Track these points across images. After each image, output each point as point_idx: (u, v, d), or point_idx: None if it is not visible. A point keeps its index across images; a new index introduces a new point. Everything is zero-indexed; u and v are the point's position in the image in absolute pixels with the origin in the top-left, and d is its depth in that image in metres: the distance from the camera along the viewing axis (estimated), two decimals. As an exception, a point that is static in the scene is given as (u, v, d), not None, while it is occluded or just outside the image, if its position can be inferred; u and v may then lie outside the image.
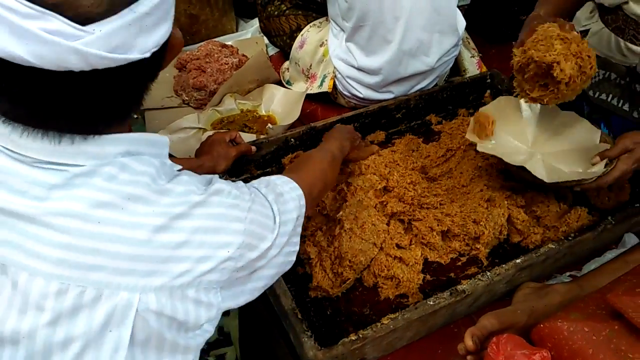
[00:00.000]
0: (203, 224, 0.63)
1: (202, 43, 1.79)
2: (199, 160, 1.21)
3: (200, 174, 1.16)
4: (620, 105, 1.32)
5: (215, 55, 1.71)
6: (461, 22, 1.57)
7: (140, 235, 0.58)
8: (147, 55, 0.58)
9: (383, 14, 1.39)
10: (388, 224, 1.18)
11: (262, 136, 1.47)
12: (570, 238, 1.09)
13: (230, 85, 1.63)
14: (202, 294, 0.63)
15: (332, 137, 1.21)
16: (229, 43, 1.87)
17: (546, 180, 1.10)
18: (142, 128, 1.62)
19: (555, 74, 1.02)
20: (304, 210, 0.82)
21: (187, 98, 1.68)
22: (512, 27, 1.97)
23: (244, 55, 1.78)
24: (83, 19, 0.52)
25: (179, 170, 0.69)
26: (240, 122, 1.59)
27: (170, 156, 1.41)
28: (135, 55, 0.56)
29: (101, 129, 0.61)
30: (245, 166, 1.36)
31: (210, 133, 1.41)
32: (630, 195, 1.22)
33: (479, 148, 1.19)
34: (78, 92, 0.56)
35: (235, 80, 1.63)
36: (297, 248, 0.81)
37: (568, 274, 1.17)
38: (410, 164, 1.36)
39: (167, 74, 1.78)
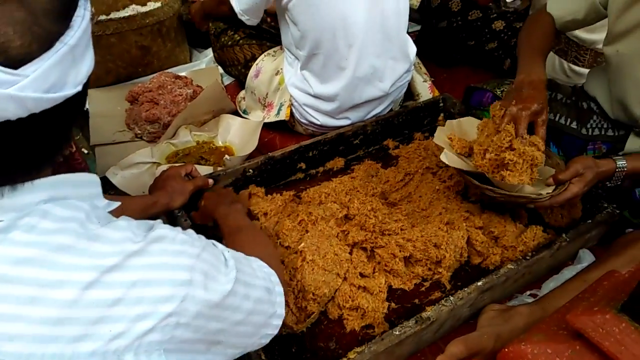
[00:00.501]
0: (141, 277, 0.55)
1: (154, 75, 1.75)
2: (153, 197, 1.17)
3: (154, 212, 1.14)
4: (568, 123, 1.37)
5: (169, 86, 1.68)
6: (412, 48, 1.60)
7: (66, 294, 0.51)
8: (80, 88, 0.54)
9: (336, 42, 1.41)
10: (351, 253, 1.17)
11: (219, 168, 1.44)
12: (528, 257, 1.11)
13: (185, 116, 1.59)
14: (143, 357, 0.55)
15: (227, 215, 1.09)
16: (183, 74, 1.84)
17: (507, 190, 1.12)
18: (93, 165, 1.55)
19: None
20: (277, 287, 0.76)
21: (139, 132, 1.63)
22: (460, 52, 2.04)
23: (198, 86, 1.76)
24: (15, 61, 0.47)
25: (123, 212, 0.64)
26: (196, 154, 1.56)
27: (123, 193, 1.38)
28: (69, 90, 0.52)
29: (22, 178, 0.54)
30: (202, 200, 1.32)
31: (164, 167, 1.37)
32: (582, 212, 1.26)
33: (442, 157, 1.18)
34: (8, 141, 0.50)
35: (190, 112, 1.60)
36: (277, 327, 0.75)
37: (528, 293, 1.18)
38: (370, 190, 1.36)
39: (119, 108, 1.73)
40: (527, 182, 1.11)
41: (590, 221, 1.18)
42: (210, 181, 1.29)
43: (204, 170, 1.38)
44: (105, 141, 1.62)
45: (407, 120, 1.61)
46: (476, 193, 1.30)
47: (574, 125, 1.36)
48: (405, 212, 1.30)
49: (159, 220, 0.66)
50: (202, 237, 0.68)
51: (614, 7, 1.16)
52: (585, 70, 1.70)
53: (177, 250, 0.60)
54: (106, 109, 1.75)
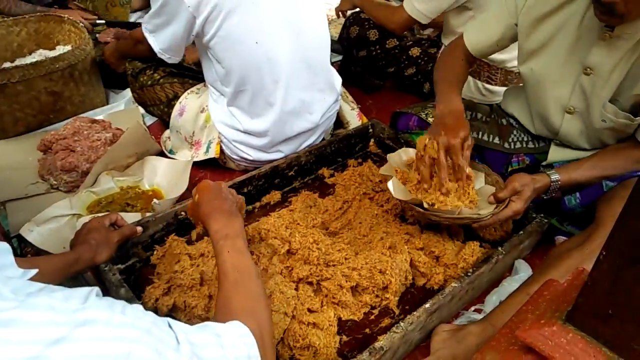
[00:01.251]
0: None
1: (68, 120, 1.63)
2: (75, 253, 1.07)
3: (78, 269, 1.04)
4: (491, 140, 1.43)
5: (85, 132, 1.57)
6: (338, 80, 1.63)
7: None
8: None
9: (262, 78, 1.40)
10: (297, 289, 1.13)
11: (147, 214, 1.35)
12: (469, 274, 1.13)
13: (105, 162, 1.49)
14: None
15: (211, 215, 0.93)
16: (100, 117, 1.74)
17: (450, 214, 1.14)
18: (5, 222, 1.40)
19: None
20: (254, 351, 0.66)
21: (55, 182, 1.51)
22: (382, 78, 2.11)
23: (118, 129, 1.66)
24: None
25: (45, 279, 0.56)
26: (120, 201, 1.46)
27: (41, 251, 1.25)
28: None
29: None
30: (131, 250, 1.23)
31: (86, 219, 1.26)
32: (513, 224, 1.31)
33: (389, 186, 1.19)
34: None
35: (111, 157, 1.51)
36: None
37: (473, 309, 1.20)
38: (310, 222, 1.33)
39: (30, 158, 1.59)
40: (465, 206, 1.15)
41: (522, 232, 1.23)
42: (139, 229, 1.20)
43: (130, 217, 1.28)
44: (17, 196, 1.48)
45: (340, 148, 1.62)
46: (419, 217, 1.32)
47: (496, 140, 1.43)
48: (348, 241, 1.28)
49: (95, 290, 0.55)
50: (150, 315, 0.57)
51: (522, 28, 1.25)
52: (498, 88, 1.81)
53: (112, 335, 0.50)
54: (16, 160, 1.60)
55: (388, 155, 1.34)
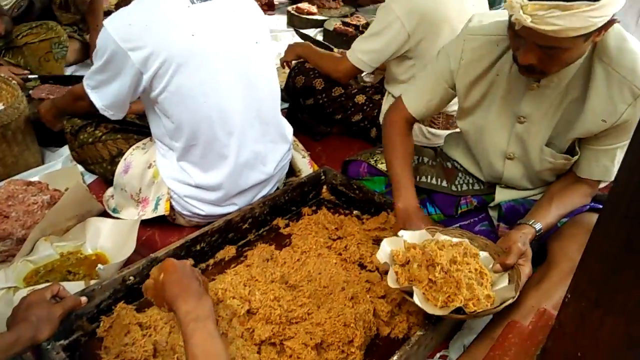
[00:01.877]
0: None
1: (0, 184, 1.52)
2: (13, 333, 0.96)
3: (17, 350, 0.94)
4: (439, 183, 1.47)
5: (20, 195, 1.46)
6: (289, 129, 1.64)
7: None
8: None
9: (215, 131, 1.37)
10: (259, 352, 1.08)
11: (92, 281, 1.26)
12: (433, 320, 1.12)
13: (43, 227, 1.39)
14: None
15: (179, 296, 0.91)
16: (35, 179, 1.63)
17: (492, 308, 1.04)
18: None
19: None
20: None
21: (-13, 252, 1.38)
22: (330, 125, 2.14)
23: (56, 190, 1.56)
24: None
25: None
26: (61, 269, 1.35)
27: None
28: None
29: None
30: (75, 323, 1.13)
31: (24, 292, 1.15)
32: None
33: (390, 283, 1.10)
34: None
35: (50, 221, 1.41)
36: None
37: (438, 355, 1.19)
38: (269, 276, 1.29)
39: (-44, 227, 1.45)
40: (489, 290, 1.07)
41: (479, 272, 1.24)
42: (83, 299, 1.11)
43: (73, 287, 1.19)
44: (-60, 271, 1.33)
45: (293, 197, 1.60)
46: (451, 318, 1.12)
47: (444, 184, 1.47)
48: (309, 294, 1.25)
49: None
50: None
51: (460, 88, 1.31)
52: (441, 132, 1.88)
53: None
54: (-62, 230, 1.46)
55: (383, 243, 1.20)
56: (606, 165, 1.19)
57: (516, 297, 1.04)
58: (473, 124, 1.34)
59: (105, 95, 1.35)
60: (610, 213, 0.59)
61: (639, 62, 1.08)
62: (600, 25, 0.96)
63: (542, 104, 1.19)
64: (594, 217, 1.18)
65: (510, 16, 1.00)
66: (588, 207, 1.23)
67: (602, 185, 1.27)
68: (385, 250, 1.17)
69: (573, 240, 1.13)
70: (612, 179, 1.19)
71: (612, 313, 0.59)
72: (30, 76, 2.17)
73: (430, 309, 1.04)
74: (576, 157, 1.22)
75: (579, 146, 1.22)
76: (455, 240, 1.18)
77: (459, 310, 1.02)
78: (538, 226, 1.16)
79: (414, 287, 1.07)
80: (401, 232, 1.20)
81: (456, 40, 1.30)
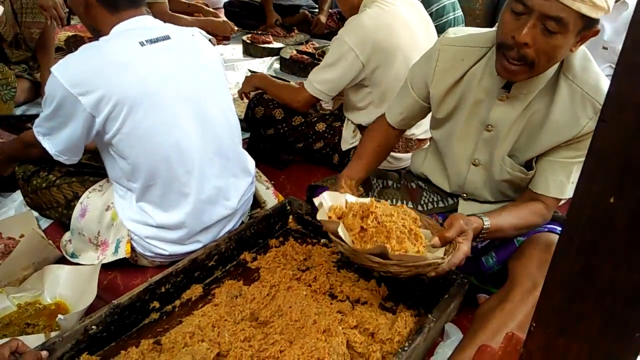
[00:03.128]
0: None
1: (-53, 235, 1.44)
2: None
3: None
4: (405, 204, 1.50)
5: (-30, 246, 1.39)
6: (251, 162, 1.63)
7: None
8: None
9: (173, 170, 1.35)
10: (233, 396, 1.05)
11: (53, 333, 1.20)
12: (405, 348, 1.12)
13: (-3, 279, 1.33)
14: None
15: None
16: (-13, 227, 1.55)
17: (418, 262, 1.07)
18: None
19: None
20: None
21: None
22: (292, 153, 2.15)
23: (10, 238, 1.50)
24: None
25: None
26: (19, 322, 1.28)
27: None
28: None
29: None
30: (36, 382, 1.07)
31: (-23, 353, 1.08)
32: (435, 286, 1.35)
33: (340, 231, 1.12)
34: None
35: (5, 271, 1.35)
36: None
37: (413, 382, 1.19)
38: (238, 315, 1.27)
39: None
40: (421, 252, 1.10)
41: (447, 296, 1.26)
42: (44, 353, 1.06)
43: (33, 340, 1.13)
44: None
45: (260, 229, 1.59)
46: (377, 267, 1.15)
47: (410, 205, 1.50)
48: (280, 329, 1.23)
49: None
50: None
51: (435, 97, 1.37)
52: (402, 155, 1.92)
53: None
54: None
55: (316, 200, 1.25)
56: (562, 181, 1.24)
57: (446, 261, 1.08)
58: (444, 131, 1.40)
59: (57, 141, 1.31)
60: (567, 242, 0.62)
61: (601, 81, 1.17)
62: (599, 15, 1.04)
63: (509, 114, 1.25)
64: (551, 237, 1.23)
65: None
66: (547, 228, 1.28)
67: (561, 203, 1.33)
68: (326, 202, 1.23)
69: (532, 259, 1.17)
70: (567, 196, 1.25)
71: (576, 341, 0.61)
72: None
73: (354, 247, 1.08)
74: (532, 173, 1.27)
75: (536, 162, 1.28)
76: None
77: (384, 257, 1.05)
78: (487, 221, 1.19)
79: (341, 224, 1.10)
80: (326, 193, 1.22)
81: (431, 51, 1.36)
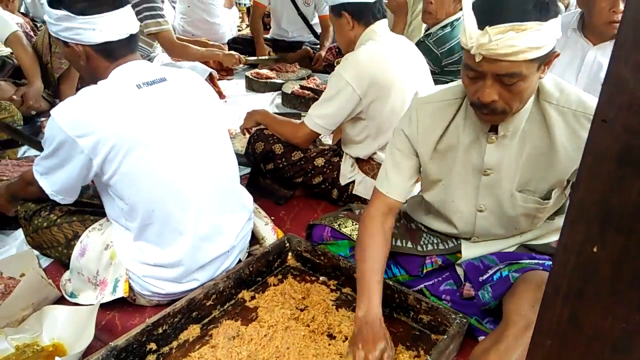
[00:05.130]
0: None
1: (-51, 276, 1.45)
2: None
3: None
4: (404, 245, 1.49)
5: (-30, 287, 1.40)
6: (248, 198, 1.64)
7: None
8: None
9: (170, 209, 1.37)
10: None
11: (49, 377, 1.20)
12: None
13: (-4, 320, 1.33)
14: None
15: None
16: (-12, 267, 1.56)
17: None
18: None
19: None
20: None
21: None
22: (291, 188, 2.16)
23: (11, 278, 1.50)
24: None
25: None
26: (16, 365, 1.28)
27: None
28: None
29: None
30: None
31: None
32: (434, 327, 1.34)
33: None
34: None
35: (4, 312, 1.35)
36: None
37: None
38: (235, 357, 1.27)
39: None
40: None
41: (446, 336, 1.25)
42: None
43: (28, 385, 1.13)
44: None
45: (258, 267, 1.59)
46: None
47: (409, 245, 1.49)
48: (277, 372, 1.22)
49: None
50: None
51: (423, 154, 1.35)
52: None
53: None
54: None
55: None
56: None
57: None
58: (439, 189, 1.37)
59: (54, 181, 1.34)
60: (553, 291, 0.62)
61: (581, 94, 1.20)
62: (550, 47, 1.06)
63: (505, 153, 1.26)
64: (544, 275, 1.22)
65: (467, 57, 1.09)
66: (541, 267, 1.27)
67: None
68: None
69: (525, 299, 1.16)
70: None
71: (566, 389, 0.60)
72: None
73: None
74: (548, 202, 1.27)
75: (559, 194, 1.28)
76: None
77: None
78: None
79: None
80: None
81: (408, 112, 1.37)
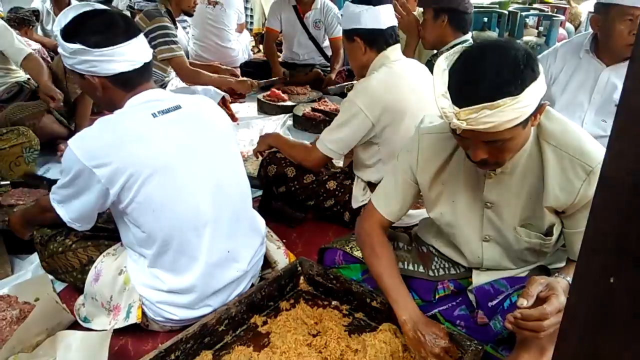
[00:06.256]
0: None
1: (-35, 302, 1.47)
2: None
3: None
4: (416, 268, 1.48)
5: (-13, 312, 1.41)
6: (261, 222, 1.65)
7: None
8: None
9: (186, 235, 1.37)
10: None
11: (61, 404, 1.19)
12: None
13: (11, 345, 1.33)
14: None
15: None
16: (4, 291, 1.58)
17: None
18: None
19: None
20: None
21: (-54, 380, 1.30)
22: (303, 211, 2.17)
23: (26, 303, 1.51)
24: None
25: None
26: (29, 392, 1.28)
27: None
28: None
29: None
30: None
31: None
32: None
33: None
34: None
35: (19, 338, 1.35)
36: None
37: None
38: (247, 385, 1.25)
39: None
40: None
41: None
42: None
43: (41, 412, 1.12)
44: None
45: (270, 292, 1.58)
46: None
47: (421, 269, 1.48)
48: (289, 400, 1.20)
49: None
50: None
51: (423, 183, 1.37)
52: (413, 211, 1.91)
53: None
54: None
55: None
56: None
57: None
58: (443, 213, 1.37)
59: (71, 209, 1.36)
60: (570, 322, 0.61)
61: (583, 140, 1.17)
62: (532, 107, 1.05)
63: (504, 190, 1.25)
64: None
65: (449, 123, 1.08)
66: None
67: None
68: None
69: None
70: None
71: None
72: (1, 182, 2.14)
73: None
74: (550, 239, 1.25)
75: (563, 234, 1.26)
76: None
77: None
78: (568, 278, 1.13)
79: None
80: None
81: (412, 139, 1.38)
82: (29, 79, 2.84)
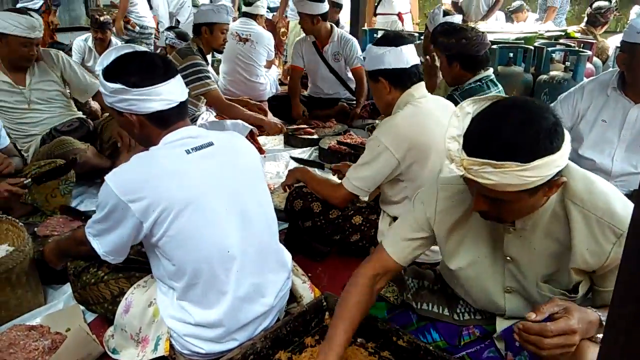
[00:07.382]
0: None
1: (3, 329, 1.51)
2: None
3: None
4: (441, 311, 1.46)
5: (21, 342, 1.46)
6: (288, 256, 1.66)
7: None
8: None
9: (214, 269, 1.40)
10: None
11: None
12: None
13: (42, 375, 1.37)
14: None
15: None
16: (37, 322, 1.63)
17: None
18: None
19: None
20: None
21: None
22: (329, 245, 2.18)
23: (57, 333, 1.55)
24: None
25: None
26: (58, 423, 1.30)
27: None
28: None
29: None
30: None
31: None
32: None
33: None
34: None
35: (49, 368, 1.38)
36: None
37: None
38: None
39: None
40: None
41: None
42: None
43: None
44: None
45: (295, 327, 1.58)
46: None
47: (446, 312, 1.46)
48: None
49: None
50: None
51: (440, 234, 1.34)
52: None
53: None
54: None
55: None
56: None
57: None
58: (463, 267, 1.34)
59: (106, 243, 1.40)
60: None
61: (611, 201, 1.12)
62: (538, 184, 1.01)
63: (524, 246, 1.22)
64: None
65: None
66: None
67: None
68: None
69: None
70: None
71: None
72: (25, 182, 2.06)
73: None
74: (577, 296, 1.21)
75: (593, 292, 1.22)
76: None
77: None
78: (602, 316, 1.07)
79: None
80: None
81: (430, 189, 1.35)
82: (87, 117, 2.93)
